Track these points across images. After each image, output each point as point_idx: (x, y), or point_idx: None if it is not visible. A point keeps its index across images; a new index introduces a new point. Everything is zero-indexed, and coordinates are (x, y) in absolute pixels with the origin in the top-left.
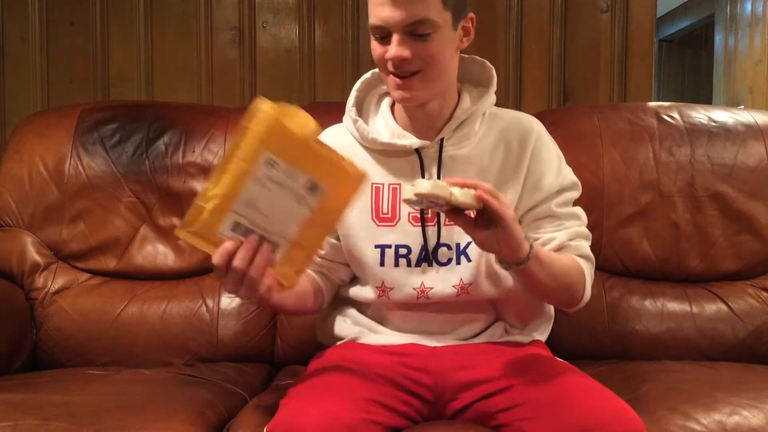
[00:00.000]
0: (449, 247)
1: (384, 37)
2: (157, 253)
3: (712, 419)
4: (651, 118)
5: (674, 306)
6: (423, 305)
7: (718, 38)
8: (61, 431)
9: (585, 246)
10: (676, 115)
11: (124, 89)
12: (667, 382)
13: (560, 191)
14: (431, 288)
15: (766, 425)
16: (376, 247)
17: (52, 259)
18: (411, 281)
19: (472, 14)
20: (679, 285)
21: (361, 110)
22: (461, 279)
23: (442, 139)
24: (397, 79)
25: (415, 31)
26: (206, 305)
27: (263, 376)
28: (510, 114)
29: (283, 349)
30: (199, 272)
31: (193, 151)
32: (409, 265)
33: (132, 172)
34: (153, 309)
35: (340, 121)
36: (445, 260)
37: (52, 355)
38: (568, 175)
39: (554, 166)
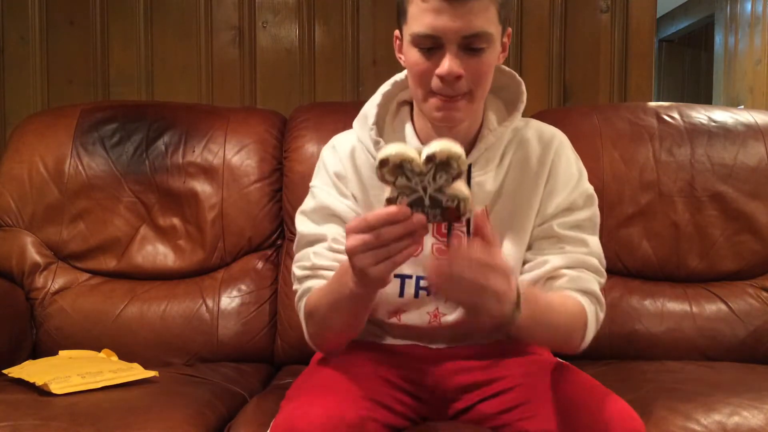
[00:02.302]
0: None
1: (432, 48)
2: (157, 253)
3: (712, 420)
4: (651, 118)
5: (674, 306)
6: (432, 328)
7: (718, 38)
8: (61, 431)
9: (588, 279)
10: (676, 115)
11: (124, 89)
12: (667, 382)
13: (569, 210)
14: (444, 315)
15: (766, 426)
16: (396, 276)
17: (52, 259)
18: (426, 307)
19: (510, 28)
20: (679, 285)
21: (379, 125)
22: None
23: (470, 165)
24: (445, 101)
25: (471, 45)
26: (206, 305)
27: (263, 376)
28: (532, 127)
29: (283, 349)
30: (199, 272)
31: (193, 151)
32: (428, 294)
33: (132, 172)
34: (153, 309)
35: (339, 120)
36: None
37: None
38: (585, 191)
39: (570, 184)
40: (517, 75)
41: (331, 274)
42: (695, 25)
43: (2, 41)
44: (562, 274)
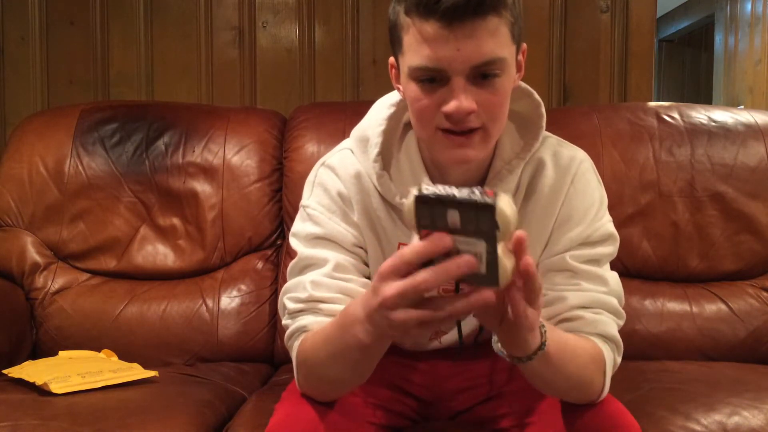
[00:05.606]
0: None
1: (434, 80)
2: (157, 253)
3: (712, 419)
4: (651, 118)
5: (674, 306)
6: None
7: (718, 38)
8: (62, 431)
9: (607, 322)
10: (676, 115)
11: (124, 89)
12: (667, 382)
13: (583, 244)
14: (445, 333)
15: (766, 425)
16: None
17: (52, 259)
18: None
19: (525, 44)
20: (679, 285)
21: (384, 155)
22: (476, 325)
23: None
24: (455, 138)
25: (482, 74)
26: (206, 305)
27: (263, 375)
28: (549, 147)
29: (283, 348)
30: (199, 272)
31: (193, 151)
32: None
33: (132, 172)
34: (153, 309)
35: (339, 120)
36: None
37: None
38: (602, 227)
39: (587, 218)
40: (535, 94)
41: (332, 308)
42: (695, 25)
43: (2, 41)
44: (579, 316)
